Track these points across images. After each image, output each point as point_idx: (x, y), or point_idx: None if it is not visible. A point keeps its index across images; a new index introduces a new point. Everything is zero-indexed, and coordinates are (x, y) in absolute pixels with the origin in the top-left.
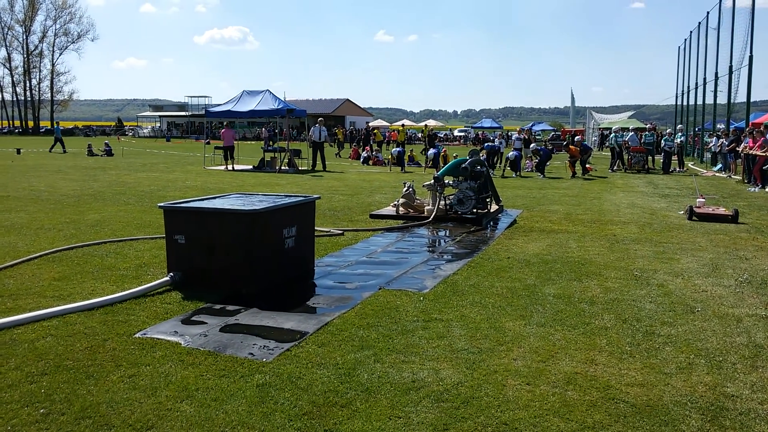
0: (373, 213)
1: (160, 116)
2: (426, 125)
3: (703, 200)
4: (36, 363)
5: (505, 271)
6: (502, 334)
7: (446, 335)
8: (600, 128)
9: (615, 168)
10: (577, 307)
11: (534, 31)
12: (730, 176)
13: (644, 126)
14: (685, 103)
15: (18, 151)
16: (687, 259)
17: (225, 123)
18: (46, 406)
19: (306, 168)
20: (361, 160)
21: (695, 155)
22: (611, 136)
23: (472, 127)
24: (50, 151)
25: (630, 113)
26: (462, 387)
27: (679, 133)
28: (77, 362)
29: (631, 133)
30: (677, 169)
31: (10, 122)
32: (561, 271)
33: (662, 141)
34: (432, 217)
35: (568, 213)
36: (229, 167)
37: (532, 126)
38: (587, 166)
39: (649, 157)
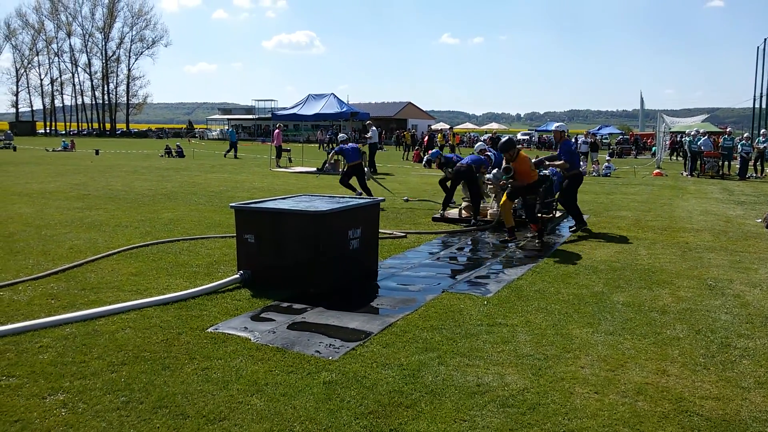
0: (435, 216)
1: (228, 119)
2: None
3: None
4: (116, 353)
5: (571, 278)
6: (568, 341)
7: (511, 340)
8: (671, 132)
9: (691, 173)
10: (648, 316)
11: (603, 32)
12: None
13: (721, 130)
14: (763, 106)
15: (96, 152)
16: (765, 270)
17: (278, 125)
18: (126, 395)
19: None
20: (423, 163)
21: None
22: (686, 139)
23: (536, 131)
24: (225, 156)
25: (703, 117)
26: (528, 393)
27: (761, 138)
28: (154, 354)
29: (704, 138)
30: (753, 175)
31: (89, 124)
32: (630, 278)
33: (739, 146)
34: (495, 221)
35: (637, 219)
36: (273, 168)
37: (599, 129)
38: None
39: (725, 163)
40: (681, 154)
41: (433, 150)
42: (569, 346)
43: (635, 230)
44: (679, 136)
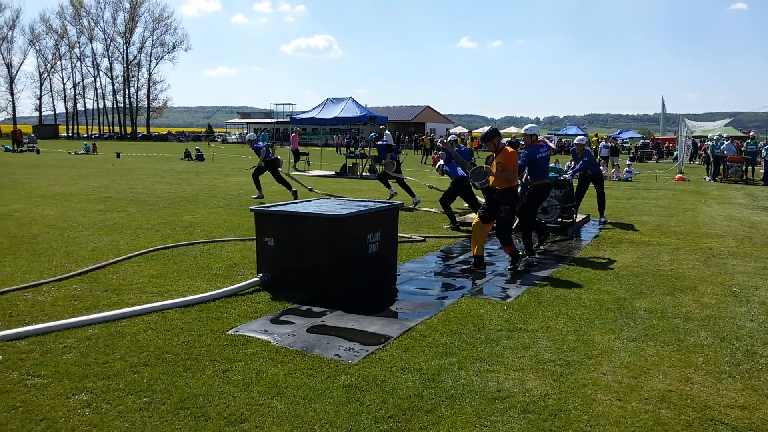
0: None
1: (247, 123)
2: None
3: None
4: (138, 354)
5: (592, 283)
6: (590, 347)
7: (532, 346)
8: (693, 136)
9: (714, 178)
10: (671, 322)
11: (623, 35)
12: None
13: (744, 134)
14: None
15: (118, 155)
16: None
17: (294, 128)
18: (149, 396)
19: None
20: (437, 167)
21: None
22: (709, 144)
23: (555, 135)
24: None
25: (726, 121)
26: (549, 399)
27: None
28: (175, 355)
29: (727, 142)
30: None
31: (111, 128)
32: (652, 284)
33: (763, 150)
34: (514, 225)
35: (659, 224)
36: (291, 171)
37: (619, 133)
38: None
39: (749, 168)
40: (703, 158)
41: (372, 133)
42: (591, 352)
43: (657, 236)
44: (702, 140)
